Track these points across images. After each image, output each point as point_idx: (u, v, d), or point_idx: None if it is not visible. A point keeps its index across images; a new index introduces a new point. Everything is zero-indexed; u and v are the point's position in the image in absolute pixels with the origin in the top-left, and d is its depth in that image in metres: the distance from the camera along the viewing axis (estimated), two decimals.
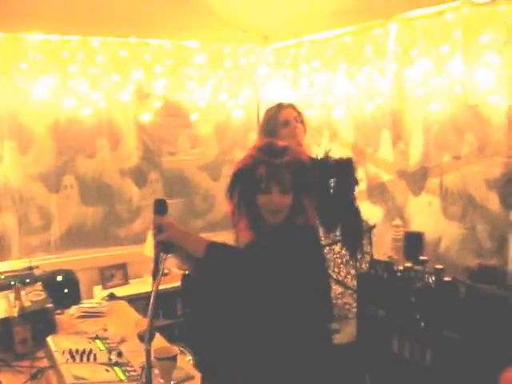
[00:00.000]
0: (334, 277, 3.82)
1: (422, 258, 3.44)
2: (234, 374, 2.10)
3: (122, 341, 2.85)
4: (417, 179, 3.75)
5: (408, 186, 3.80)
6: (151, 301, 2.07)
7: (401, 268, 3.48)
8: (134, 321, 3.25)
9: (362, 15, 3.79)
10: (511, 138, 3.13)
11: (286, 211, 2.05)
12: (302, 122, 3.07)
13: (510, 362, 2.79)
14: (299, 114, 3.06)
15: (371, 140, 4.11)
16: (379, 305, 3.61)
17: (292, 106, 3.10)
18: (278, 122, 2.99)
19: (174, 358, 2.24)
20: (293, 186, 2.04)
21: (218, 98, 4.83)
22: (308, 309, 2.08)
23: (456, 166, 3.48)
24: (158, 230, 2.06)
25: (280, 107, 3.07)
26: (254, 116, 4.99)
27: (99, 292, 4.28)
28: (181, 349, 4.09)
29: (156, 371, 2.26)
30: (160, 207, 2.14)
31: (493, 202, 3.26)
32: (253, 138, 4.97)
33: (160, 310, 4.50)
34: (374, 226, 3.70)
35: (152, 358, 2.22)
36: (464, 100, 3.38)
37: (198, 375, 2.52)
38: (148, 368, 2.06)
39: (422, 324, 3.31)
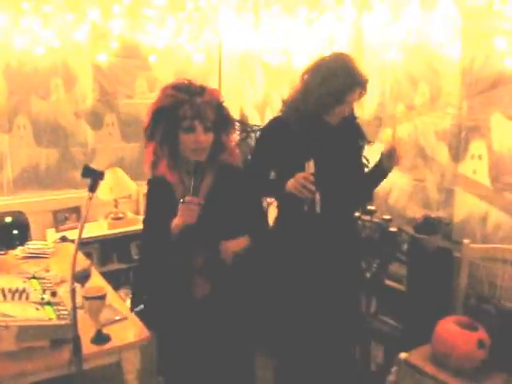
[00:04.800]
0: None
1: (370, 208, 3.45)
2: None
3: (62, 281, 2.85)
4: (371, 129, 3.71)
5: None
6: (76, 240, 2.05)
7: None
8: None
9: None
10: (463, 90, 3.11)
11: (208, 149, 2.11)
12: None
13: (449, 312, 2.85)
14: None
15: None
16: None
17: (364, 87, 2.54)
18: (341, 99, 2.49)
19: (101, 298, 2.24)
20: (214, 124, 2.08)
21: (177, 40, 4.70)
22: None
23: (409, 117, 3.45)
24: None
25: (357, 85, 2.49)
26: (215, 60, 4.89)
27: (52, 235, 4.25)
28: (127, 292, 4.13)
29: None
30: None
31: (442, 153, 3.26)
32: (213, 82, 4.88)
33: (114, 253, 4.50)
34: None
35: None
36: (419, 50, 3.33)
37: (132, 317, 2.53)
38: (73, 306, 2.06)
39: (367, 274, 3.34)
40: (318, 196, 2.44)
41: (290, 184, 2.46)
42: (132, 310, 2.77)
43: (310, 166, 2.41)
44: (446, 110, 3.21)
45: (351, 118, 2.69)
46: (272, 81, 4.56)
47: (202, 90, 2.08)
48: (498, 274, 2.90)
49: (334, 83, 2.44)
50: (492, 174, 3.01)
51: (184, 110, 2.02)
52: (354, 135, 2.74)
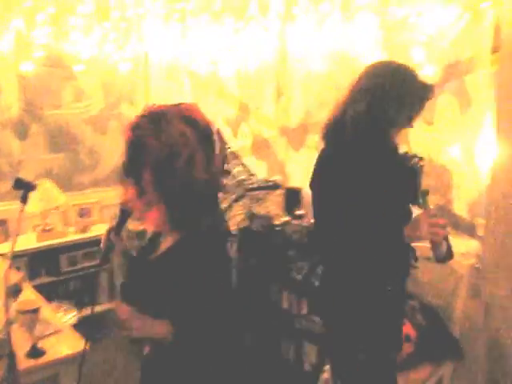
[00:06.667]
0: None
1: (299, 212, 3.55)
2: None
3: None
4: (297, 136, 3.83)
5: (289, 142, 3.88)
6: (9, 253, 2.03)
7: (278, 222, 3.58)
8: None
9: None
10: None
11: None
12: None
13: None
14: None
15: (255, 96, 4.14)
16: (258, 257, 3.71)
17: None
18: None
19: (35, 311, 2.22)
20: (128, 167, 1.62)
21: (103, 50, 4.66)
22: None
23: None
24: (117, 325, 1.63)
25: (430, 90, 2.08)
26: (141, 69, 4.88)
27: None
28: (64, 307, 4.05)
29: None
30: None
31: None
32: (140, 92, 4.88)
33: (42, 267, 4.40)
34: None
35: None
36: (343, 59, 3.46)
37: (67, 330, 2.51)
38: (7, 320, 2.04)
39: (299, 276, 3.43)
40: None
41: None
42: None
43: None
44: None
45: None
46: (199, 90, 4.60)
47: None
48: (423, 272, 3.05)
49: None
50: None
51: None
52: None
